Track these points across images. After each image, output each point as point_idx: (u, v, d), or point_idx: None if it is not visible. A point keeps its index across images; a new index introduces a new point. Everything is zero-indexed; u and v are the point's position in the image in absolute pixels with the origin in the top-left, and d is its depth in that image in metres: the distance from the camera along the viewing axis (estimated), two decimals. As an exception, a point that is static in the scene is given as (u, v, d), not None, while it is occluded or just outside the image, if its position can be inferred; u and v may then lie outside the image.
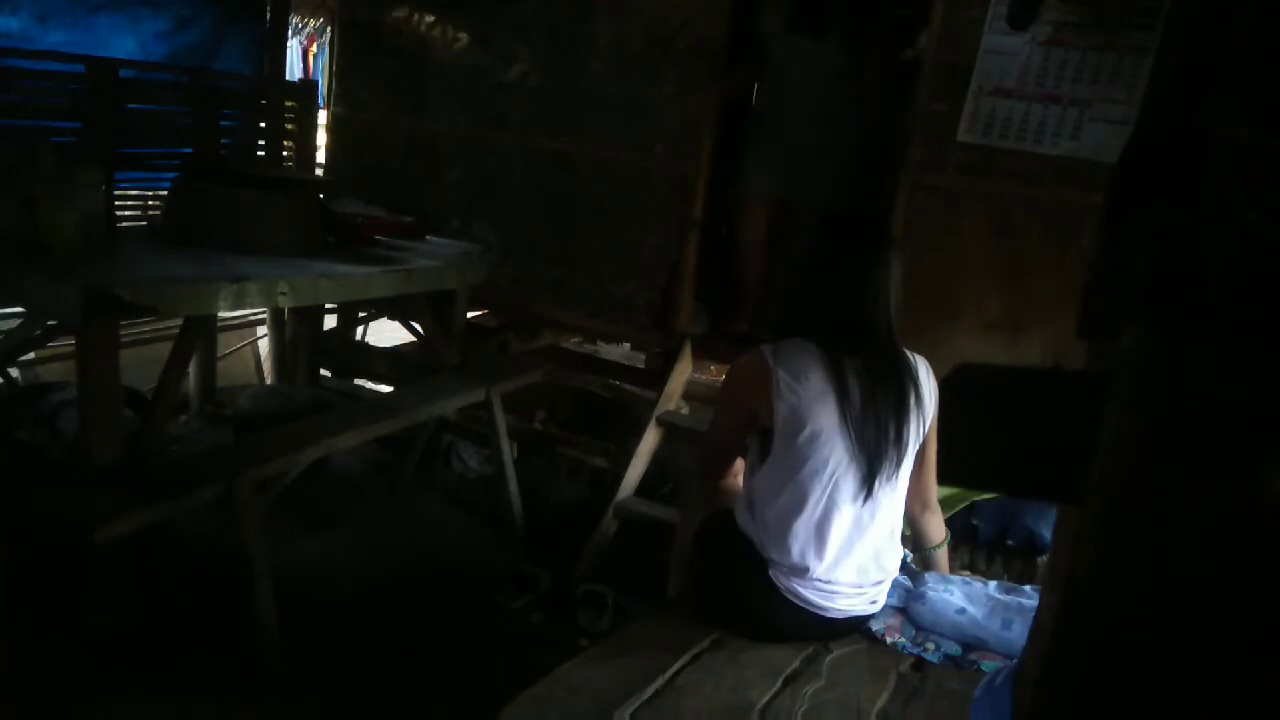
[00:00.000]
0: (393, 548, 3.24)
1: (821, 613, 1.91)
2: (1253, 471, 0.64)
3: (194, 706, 2.29)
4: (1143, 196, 0.72)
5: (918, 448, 1.96)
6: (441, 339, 3.67)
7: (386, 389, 4.20)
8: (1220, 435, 0.65)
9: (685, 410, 3.64)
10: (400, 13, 3.90)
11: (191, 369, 3.79)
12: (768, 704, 1.71)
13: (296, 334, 4.05)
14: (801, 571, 1.88)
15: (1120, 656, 0.70)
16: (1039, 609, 1.04)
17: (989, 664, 1.90)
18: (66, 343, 3.34)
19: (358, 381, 4.41)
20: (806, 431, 1.83)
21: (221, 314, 4.01)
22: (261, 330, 4.56)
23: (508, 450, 3.51)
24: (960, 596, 2.02)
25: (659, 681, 1.73)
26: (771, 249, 3.44)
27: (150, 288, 2.34)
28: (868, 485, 1.87)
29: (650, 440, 3.38)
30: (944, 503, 2.28)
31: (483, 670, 2.52)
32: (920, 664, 1.94)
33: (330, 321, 4.25)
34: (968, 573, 2.41)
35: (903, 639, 1.99)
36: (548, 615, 2.93)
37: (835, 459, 1.84)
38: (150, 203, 3.61)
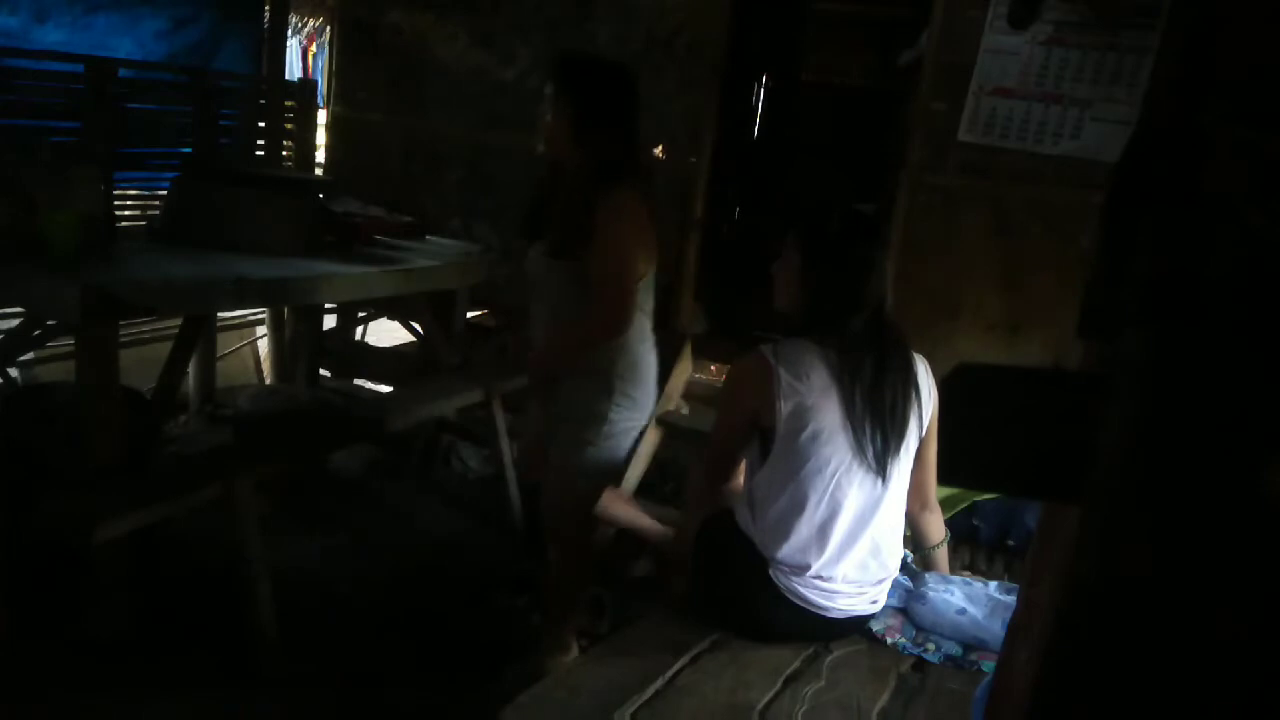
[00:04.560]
0: (393, 548, 3.24)
1: (822, 613, 1.91)
2: (1253, 472, 0.64)
3: (193, 707, 2.29)
4: (1143, 196, 0.72)
5: (917, 447, 1.97)
6: (441, 339, 3.67)
7: (386, 389, 4.20)
8: (1220, 435, 0.65)
9: (685, 411, 3.63)
10: (400, 12, 3.90)
11: (191, 369, 3.79)
12: (768, 705, 1.71)
13: (296, 334, 4.05)
14: (802, 571, 1.88)
15: (1120, 656, 0.69)
16: (1018, 606, 1.04)
17: (989, 664, 1.89)
18: (66, 343, 3.34)
19: (358, 381, 4.41)
20: (809, 430, 1.84)
21: (221, 314, 4.01)
22: (261, 330, 4.56)
23: (508, 450, 3.51)
24: (961, 597, 2.02)
25: (659, 682, 1.73)
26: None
27: (149, 288, 2.34)
28: (869, 484, 1.87)
29: (650, 441, 3.37)
30: (944, 503, 2.28)
31: (483, 670, 2.51)
32: (920, 664, 1.94)
33: (330, 321, 4.25)
34: (968, 573, 2.41)
35: (903, 639, 1.99)
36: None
37: (838, 458, 1.84)
38: (150, 203, 3.60)
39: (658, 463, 3.46)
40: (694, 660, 1.83)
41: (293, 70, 5.94)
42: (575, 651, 2.49)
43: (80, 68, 3.18)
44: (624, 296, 2.14)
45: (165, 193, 3.18)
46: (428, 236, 3.57)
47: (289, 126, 4.03)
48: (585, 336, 2.20)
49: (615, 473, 2.41)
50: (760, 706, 1.70)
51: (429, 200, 3.88)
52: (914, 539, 2.19)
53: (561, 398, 2.29)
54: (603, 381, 2.25)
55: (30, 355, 3.54)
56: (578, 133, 2.16)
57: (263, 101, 3.97)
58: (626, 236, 2.13)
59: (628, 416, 2.31)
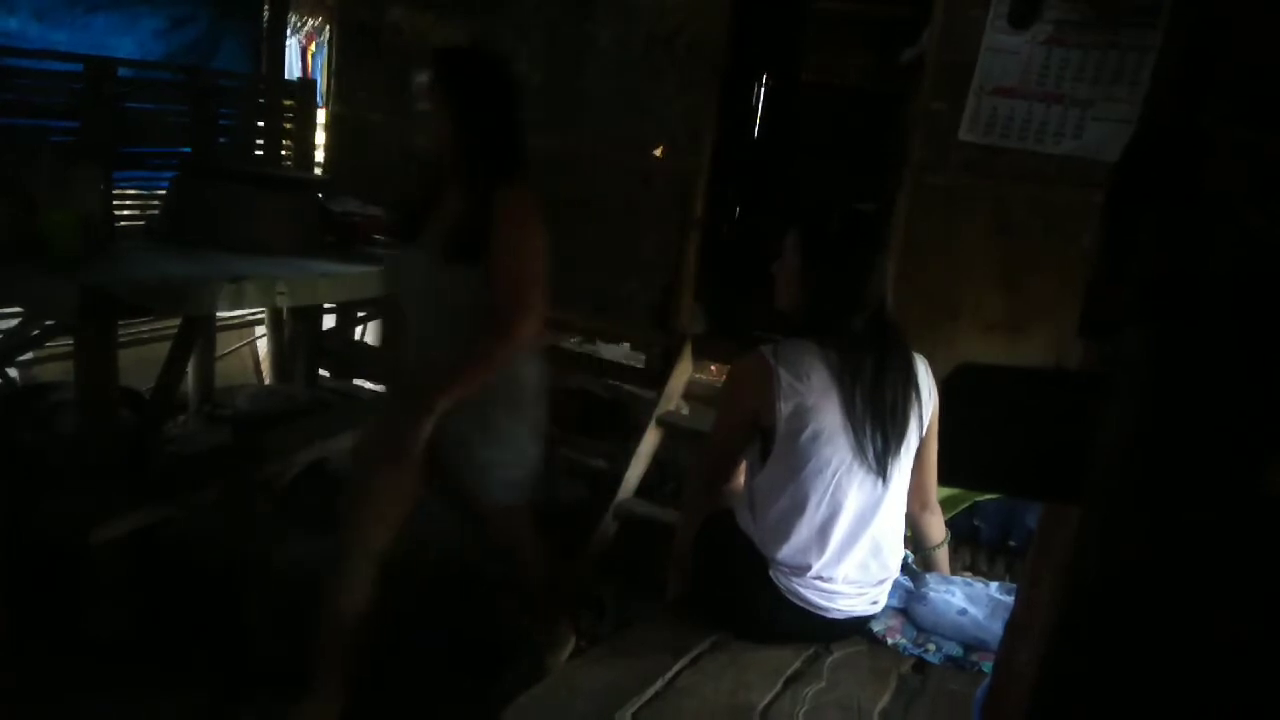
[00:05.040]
0: (392, 548, 3.23)
1: (822, 613, 1.91)
2: (1253, 472, 0.64)
3: (193, 707, 2.29)
4: (1144, 196, 0.72)
5: (917, 447, 1.97)
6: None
7: (386, 389, 4.20)
8: (1220, 435, 0.65)
9: (685, 411, 3.64)
10: (400, 12, 3.90)
11: (189, 369, 3.79)
12: (768, 705, 1.70)
13: (295, 334, 4.05)
14: (803, 571, 1.88)
15: (1120, 656, 0.69)
16: (1017, 605, 1.04)
17: (990, 665, 1.89)
18: (65, 343, 3.34)
19: (357, 381, 4.40)
20: (809, 430, 1.83)
21: (219, 314, 4.01)
22: (260, 330, 4.56)
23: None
24: (962, 597, 2.02)
25: (659, 683, 1.73)
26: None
27: (148, 287, 2.34)
28: (870, 484, 1.87)
29: (650, 441, 3.37)
30: (945, 503, 2.27)
31: (483, 671, 2.51)
32: (921, 665, 1.94)
33: (329, 321, 4.25)
34: (969, 574, 2.41)
35: (904, 640, 1.99)
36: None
37: (838, 458, 1.84)
38: (149, 202, 3.60)
39: (658, 463, 3.46)
40: (694, 661, 1.83)
41: (292, 69, 5.93)
42: (573, 645, 2.49)
43: (79, 67, 3.18)
44: (542, 296, 2.02)
45: (164, 192, 3.18)
46: (427, 236, 3.57)
47: (288, 126, 4.02)
48: (514, 343, 2.01)
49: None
50: (761, 707, 1.69)
51: (429, 200, 3.88)
52: (915, 539, 2.19)
53: (488, 413, 2.09)
54: (526, 394, 2.15)
55: (29, 355, 3.54)
56: (464, 128, 2.02)
57: (261, 101, 3.97)
58: (536, 233, 2.01)
59: None
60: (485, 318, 1.99)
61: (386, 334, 2.35)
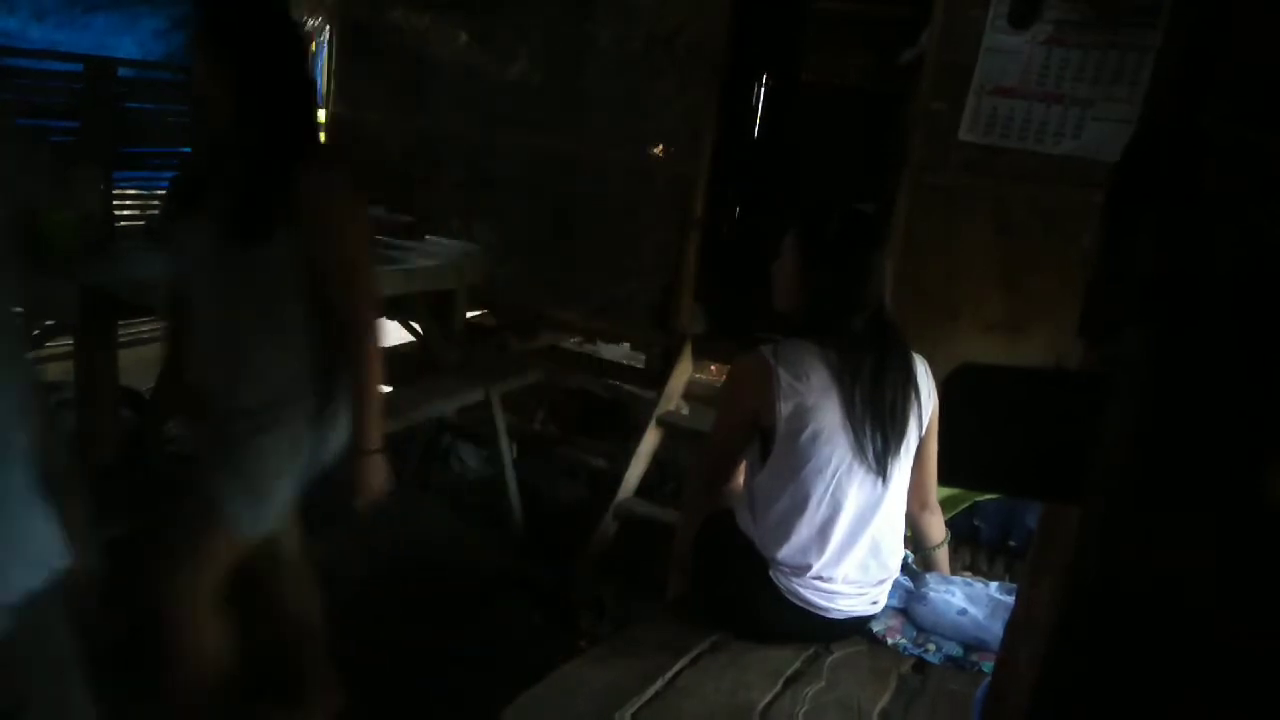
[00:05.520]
0: (392, 548, 3.24)
1: (822, 613, 1.91)
2: (1253, 472, 0.64)
3: (191, 709, 2.28)
4: (1144, 196, 0.72)
5: (917, 447, 1.97)
6: (441, 339, 3.67)
7: (386, 389, 4.20)
8: (1220, 435, 0.65)
9: (685, 411, 3.64)
10: (400, 12, 3.90)
11: (191, 369, 3.79)
12: (768, 705, 1.70)
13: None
14: (803, 571, 1.88)
15: (1120, 656, 0.69)
16: (1017, 605, 1.04)
17: (990, 665, 1.89)
18: (64, 343, 3.34)
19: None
20: (809, 430, 1.83)
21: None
22: (261, 330, 4.55)
23: (508, 450, 3.51)
24: (962, 597, 2.02)
25: (659, 683, 1.73)
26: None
27: (148, 287, 2.34)
28: (869, 484, 1.87)
29: (650, 441, 3.38)
30: (945, 503, 2.27)
31: (483, 670, 2.51)
32: (921, 665, 1.94)
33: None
34: (969, 574, 2.41)
35: (904, 640, 1.99)
36: (547, 616, 2.93)
37: (838, 458, 1.84)
38: (149, 202, 3.61)
39: (658, 463, 3.46)
40: (694, 661, 1.83)
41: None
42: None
43: (80, 67, 3.18)
44: (375, 279, 1.86)
45: (164, 192, 3.18)
46: (428, 236, 3.57)
47: (289, 126, 4.02)
48: (378, 328, 1.87)
49: None
50: (761, 707, 1.69)
51: (429, 200, 3.88)
52: (915, 539, 2.19)
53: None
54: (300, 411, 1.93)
55: (29, 355, 3.54)
56: (241, 84, 1.71)
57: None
58: (354, 209, 1.81)
59: None
60: (284, 305, 1.78)
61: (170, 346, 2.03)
